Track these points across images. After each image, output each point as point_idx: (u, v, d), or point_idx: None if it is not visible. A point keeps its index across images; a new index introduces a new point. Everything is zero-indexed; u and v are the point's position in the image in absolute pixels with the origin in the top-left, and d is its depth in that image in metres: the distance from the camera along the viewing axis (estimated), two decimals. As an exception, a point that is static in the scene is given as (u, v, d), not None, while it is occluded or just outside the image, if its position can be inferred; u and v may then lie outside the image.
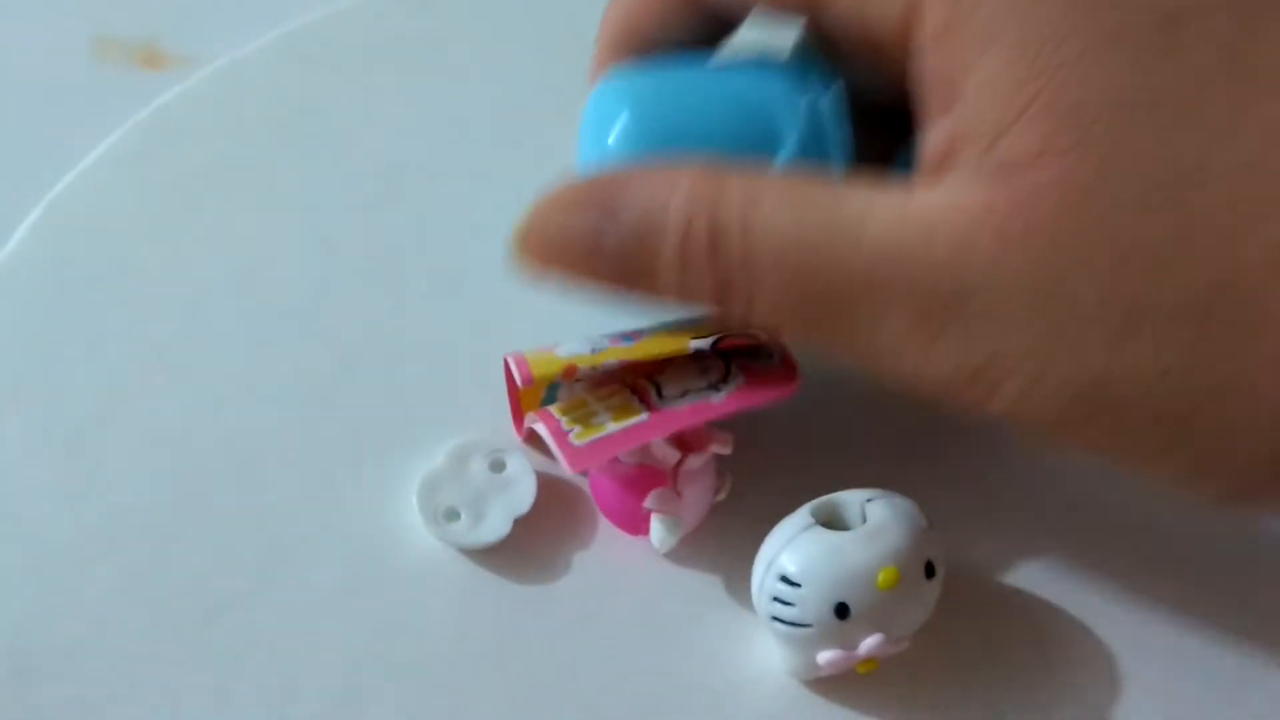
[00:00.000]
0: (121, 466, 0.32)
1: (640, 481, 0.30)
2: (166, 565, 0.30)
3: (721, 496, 0.31)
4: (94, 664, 0.29)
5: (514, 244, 0.28)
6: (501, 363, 0.31)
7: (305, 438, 0.32)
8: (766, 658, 0.30)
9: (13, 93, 0.39)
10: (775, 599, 0.28)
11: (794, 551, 0.28)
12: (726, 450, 0.30)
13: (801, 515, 0.28)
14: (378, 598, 0.30)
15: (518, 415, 0.32)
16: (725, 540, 0.31)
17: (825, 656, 0.28)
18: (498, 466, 0.31)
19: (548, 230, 0.28)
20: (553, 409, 0.30)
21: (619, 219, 0.27)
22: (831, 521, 0.28)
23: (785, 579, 0.28)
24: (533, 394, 0.31)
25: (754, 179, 0.26)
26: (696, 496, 0.30)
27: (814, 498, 0.29)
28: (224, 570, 0.30)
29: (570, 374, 0.30)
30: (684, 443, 0.30)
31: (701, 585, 0.31)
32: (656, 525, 0.30)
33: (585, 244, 0.27)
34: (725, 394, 0.29)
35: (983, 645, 0.31)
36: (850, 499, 0.29)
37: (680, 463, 0.30)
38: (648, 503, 0.30)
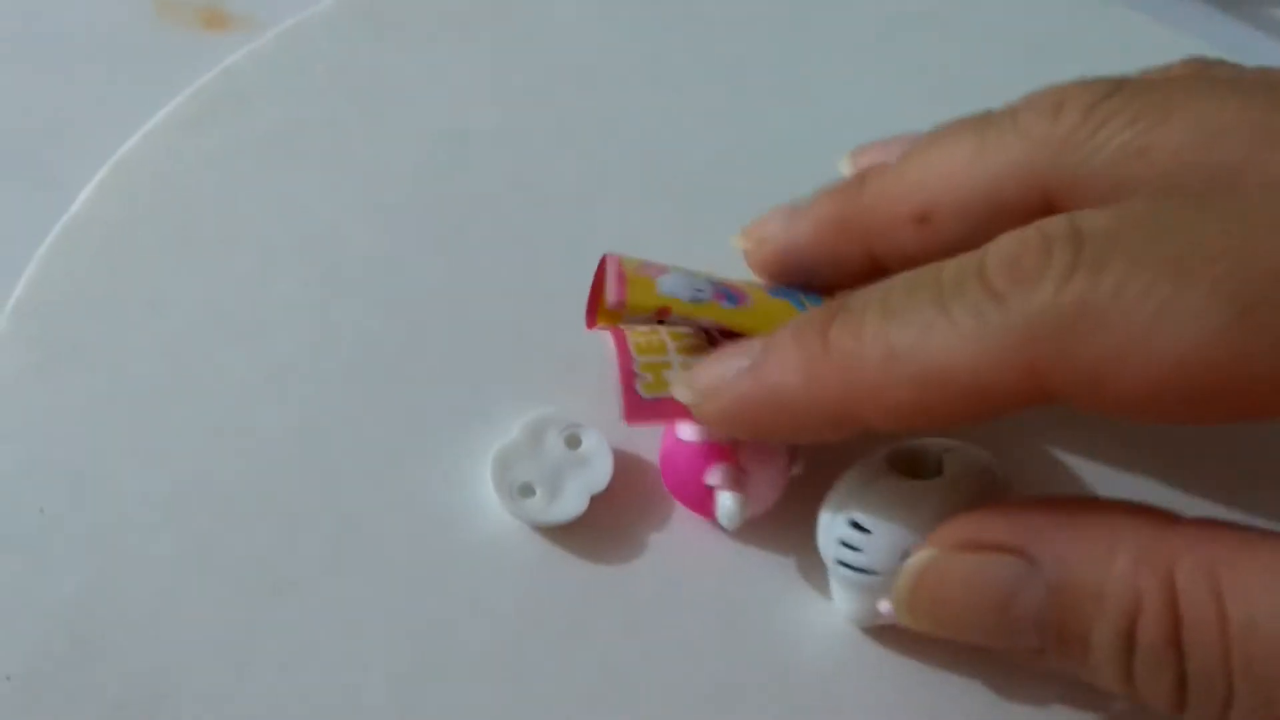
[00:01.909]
0: (187, 435, 0.31)
1: (709, 458, 0.29)
2: (233, 537, 0.30)
3: (797, 471, 0.30)
4: (156, 639, 0.28)
5: (901, 597, 0.25)
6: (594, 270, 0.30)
7: (376, 409, 0.31)
8: (848, 645, 0.29)
9: (78, 52, 0.38)
10: (843, 543, 0.27)
11: (864, 497, 0.27)
12: None
13: (874, 461, 0.28)
14: (450, 574, 0.30)
15: (593, 307, 0.30)
16: (805, 522, 0.30)
17: (888, 606, 0.27)
18: (573, 442, 0.31)
19: (949, 580, 0.24)
20: (630, 339, 0.28)
21: (1043, 572, 0.23)
22: (906, 470, 0.28)
23: (855, 524, 0.27)
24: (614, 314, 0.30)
25: (1229, 536, 0.22)
26: (767, 473, 0.29)
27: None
28: (293, 544, 0.30)
29: (664, 314, 0.28)
30: None
31: (779, 567, 0.30)
32: (722, 501, 0.29)
33: (995, 600, 0.23)
34: None
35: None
36: (927, 447, 0.28)
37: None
38: (709, 479, 0.29)
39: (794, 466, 0.30)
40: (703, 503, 0.30)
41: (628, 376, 0.28)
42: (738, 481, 0.29)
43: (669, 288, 0.29)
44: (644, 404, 0.27)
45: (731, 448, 0.29)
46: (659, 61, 0.37)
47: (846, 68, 0.38)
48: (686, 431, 0.29)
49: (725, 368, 0.27)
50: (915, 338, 0.24)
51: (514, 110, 0.36)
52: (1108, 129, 0.26)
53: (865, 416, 0.25)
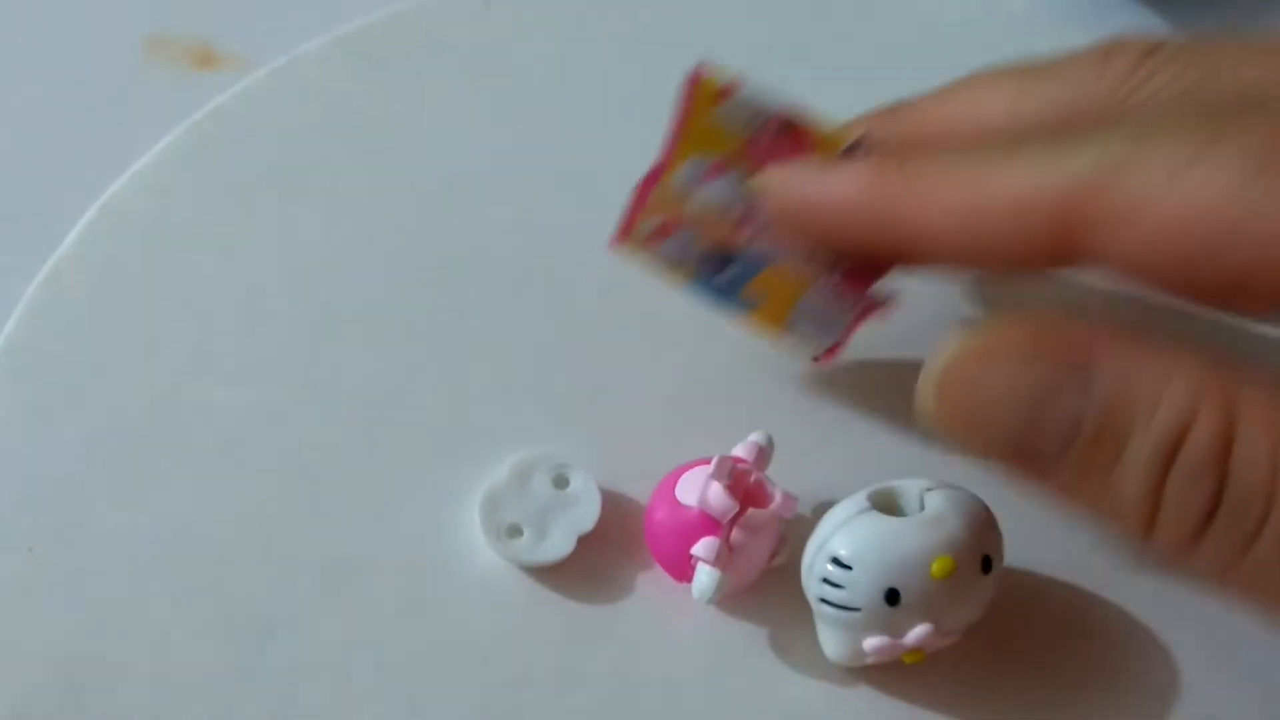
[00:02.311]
0: (176, 476, 0.31)
1: (697, 529, 0.29)
2: (223, 579, 0.30)
3: (779, 561, 0.30)
4: (147, 681, 0.29)
5: (932, 375, 0.24)
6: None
7: (365, 450, 0.32)
8: (835, 685, 0.29)
9: (66, 92, 0.38)
10: (825, 580, 0.27)
11: (847, 534, 0.27)
12: (789, 514, 0.29)
13: (857, 499, 0.28)
14: (438, 615, 0.30)
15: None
16: (792, 564, 0.30)
17: (871, 643, 0.27)
18: (561, 482, 0.31)
19: (981, 373, 0.23)
20: (651, 195, 0.30)
21: (1089, 386, 0.22)
22: (888, 509, 0.28)
23: (836, 561, 0.27)
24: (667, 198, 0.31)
25: None
26: (750, 557, 0.29)
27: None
28: (282, 585, 0.30)
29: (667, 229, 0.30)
30: (746, 496, 0.29)
31: (766, 608, 0.30)
32: (700, 575, 0.29)
33: (1028, 405, 0.22)
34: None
35: (1036, 645, 0.30)
36: (909, 487, 0.28)
37: (737, 516, 0.28)
38: (695, 550, 0.28)
39: (778, 556, 0.30)
40: (679, 566, 0.30)
41: (634, 210, 0.30)
42: (723, 559, 0.28)
43: (703, 198, 0.30)
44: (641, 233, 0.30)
45: (725, 524, 0.28)
46: (655, 103, 0.37)
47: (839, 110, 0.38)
48: (689, 495, 0.29)
49: (806, 165, 0.28)
50: (979, 167, 0.26)
51: (507, 149, 0.37)
52: (1158, 79, 0.27)
53: (911, 221, 0.26)
